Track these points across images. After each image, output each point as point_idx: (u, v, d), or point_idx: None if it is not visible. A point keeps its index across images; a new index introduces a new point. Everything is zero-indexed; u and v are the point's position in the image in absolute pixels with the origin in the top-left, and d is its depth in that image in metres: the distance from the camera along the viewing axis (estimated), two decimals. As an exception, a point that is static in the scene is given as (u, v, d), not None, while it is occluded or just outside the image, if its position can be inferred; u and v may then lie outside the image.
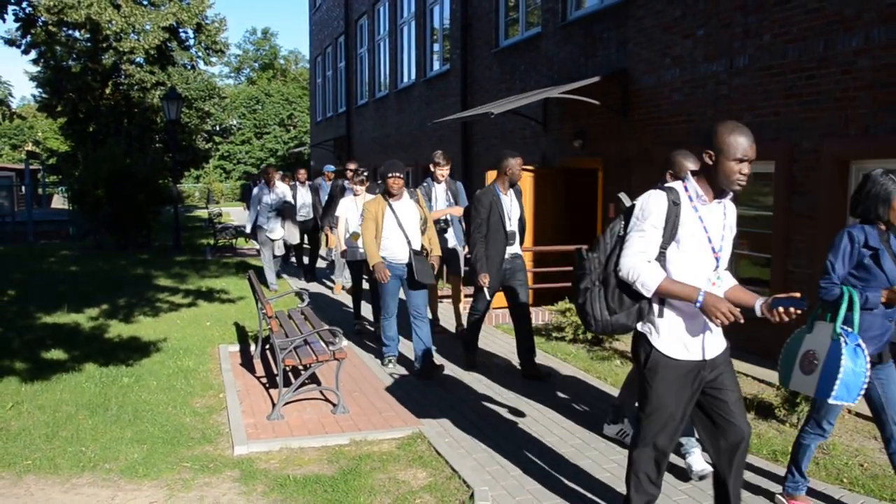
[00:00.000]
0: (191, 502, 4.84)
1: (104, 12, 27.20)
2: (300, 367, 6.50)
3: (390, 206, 7.63)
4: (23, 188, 30.60)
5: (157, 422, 6.27)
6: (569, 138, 11.66)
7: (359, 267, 9.70)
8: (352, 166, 12.20)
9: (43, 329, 9.89)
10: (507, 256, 7.49)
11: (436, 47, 18.45)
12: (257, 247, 21.42)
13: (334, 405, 6.53)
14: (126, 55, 28.87)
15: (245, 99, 58.26)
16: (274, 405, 6.47)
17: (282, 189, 13.28)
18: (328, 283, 14.26)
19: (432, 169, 9.24)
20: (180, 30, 30.56)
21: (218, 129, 42.93)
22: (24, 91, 78.42)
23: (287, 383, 6.52)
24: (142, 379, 7.54)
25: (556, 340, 9.00)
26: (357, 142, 25.22)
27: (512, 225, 7.54)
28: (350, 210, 9.68)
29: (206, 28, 31.06)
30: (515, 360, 8.04)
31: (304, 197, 14.72)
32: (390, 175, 7.55)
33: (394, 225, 7.61)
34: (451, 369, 7.90)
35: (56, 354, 8.51)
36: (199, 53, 32.56)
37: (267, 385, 7.34)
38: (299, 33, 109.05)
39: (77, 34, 29.16)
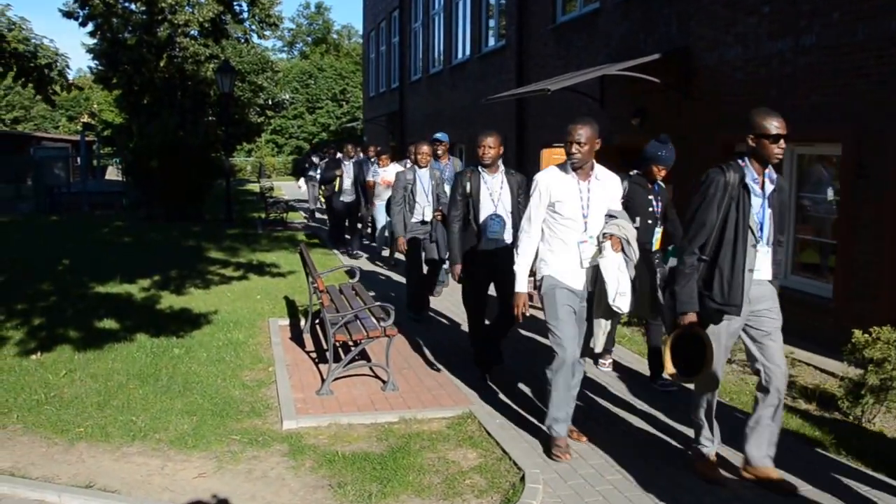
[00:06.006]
0: (239, 475, 4.86)
1: (160, -16, 27.43)
2: (350, 343, 6.50)
3: None
4: (78, 159, 31.12)
5: (207, 394, 6.32)
6: (627, 117, 11.47)
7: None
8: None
9: (96, 298, 10.05)
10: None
11: (491, 23, 18.28)
12: (302, 217, 21.76)
13: (384, 382, 6.52)
14: (181, 28, 29.06)
15: (298, 73, 58.46)
16: (323, 380, 6.47)
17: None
18: None
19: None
20: (234, 3, 30.63)
21: (270, 103, 43.19)
22: (80, 63, 79.68)
23: (337, 359, 6.51)
24: (192, 350, 7.62)
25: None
26: (410, 118, 25.18)
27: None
28: None
29: (260, 1, 31.11)
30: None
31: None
32: None
33: None
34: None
35: (108, 324, 8.63)
36: (253, 27, 32.62)
37: (316, 360, 7.36)
38: (353, 7, 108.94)
39: (133, 7, 29.43)
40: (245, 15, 31.61)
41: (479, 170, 6.67)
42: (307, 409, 5.97)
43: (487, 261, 6.52)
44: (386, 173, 12.91)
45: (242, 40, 34.78)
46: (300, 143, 56.87)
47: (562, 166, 5.16)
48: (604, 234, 4.94)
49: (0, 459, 5.02)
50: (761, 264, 4.54)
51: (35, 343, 7.75)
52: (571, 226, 5.00)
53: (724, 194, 4.42)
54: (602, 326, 5.06)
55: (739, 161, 4.49)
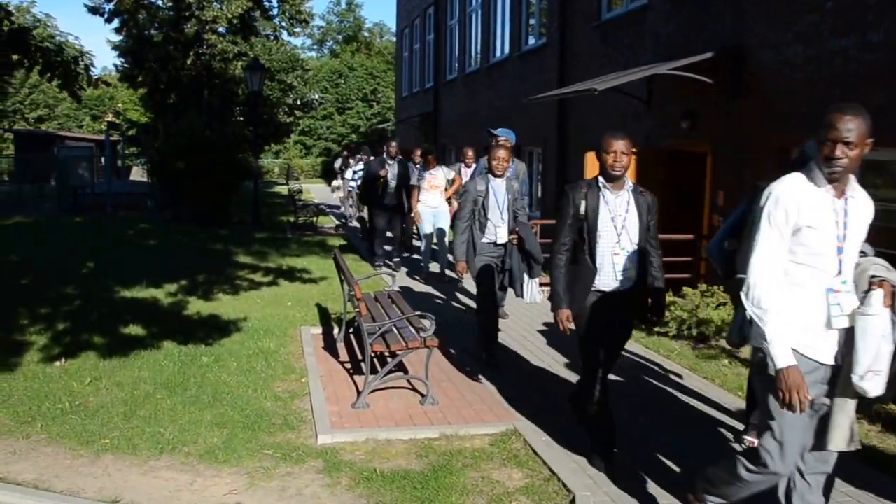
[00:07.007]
0: (272, 492, 4.78)
1: (188, -21, 27.67)
2: (387, 354, 6.40)
3: None
4: (102, 159, 31.38)
5: (237, 405, 6.25)
6: (675, 119, 11.29)
7: None
8: None
9: (121, 303, 10.04)
10: None
11: (531, 20, 18.16)
12: (335, 222, 21.69)
13: (423, 395, 6.42)
14: (209, 24, 29.23)
15: (327, 73, 58.63)
16: (359, 393, 6.38)
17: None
18: None
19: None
20: (264, -1, 30.84)
21: (299, 102, 43.35)
22: (105, 61, 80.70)
23: (373, 370, 6.41)
24: (221, 359, 7.56)
25: (658, 336, 8.70)
26: (444, 118, 25.10)
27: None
28: None
29: (290, -3, 31.28)
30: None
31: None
32: None
33: None
34: (546, 364, 7.72)
35: (134, 330, 8.61)
36: (283, 23, 32.78)
37: (351, 371, 7.27)
38: (385, 4, 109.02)
39: (160, 2, 29.67)
40: (275, 11, 31.78)
41: (600, 184, 5.11)
42: (343, 423, 5.88)
43: (607, 302, 5.09)
44: (433, 177, 12.67)
45: (272, 37, 34.98)
46: (329, 144, 56.95)
47: (810, 174, 3.53)
48: (871, 277, 3.48)
49: (24, 471, 4.98)
50: None
51: (59, 349, 7.74)
52: (818, 264, 3.48)
53: None
54: (847, 411, 3.57)
55: None
